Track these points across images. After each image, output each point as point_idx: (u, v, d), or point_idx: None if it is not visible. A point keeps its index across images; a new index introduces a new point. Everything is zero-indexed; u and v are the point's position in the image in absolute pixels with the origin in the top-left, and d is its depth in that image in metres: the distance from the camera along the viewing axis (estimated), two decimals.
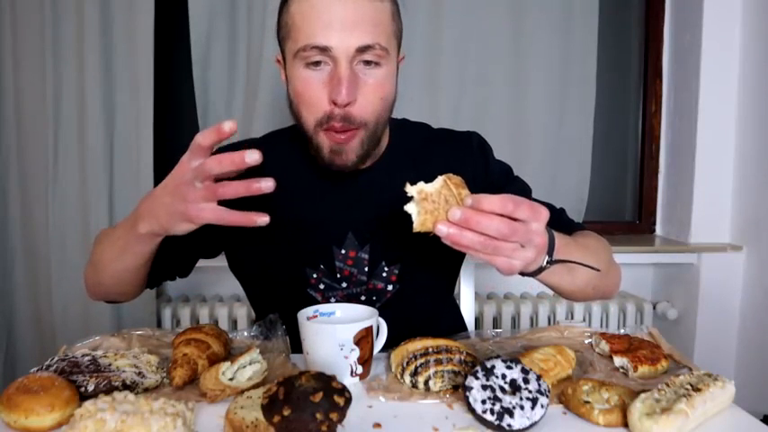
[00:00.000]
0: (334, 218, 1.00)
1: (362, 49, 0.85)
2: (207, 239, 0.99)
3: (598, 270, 0.84)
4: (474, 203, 0.67)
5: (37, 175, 1.90)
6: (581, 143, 2.12)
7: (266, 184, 0.71)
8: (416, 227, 0.70)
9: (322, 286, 1.01)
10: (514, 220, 0.68)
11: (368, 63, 0.87)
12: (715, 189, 2.02)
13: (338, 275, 1.00)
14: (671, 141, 2.17)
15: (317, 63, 0.86)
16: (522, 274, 0.79)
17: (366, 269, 1.00)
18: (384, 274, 1.01)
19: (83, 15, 1.83)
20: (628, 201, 2.32)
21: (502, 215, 0.67)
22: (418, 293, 1.04)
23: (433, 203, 0.70)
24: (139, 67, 1.86)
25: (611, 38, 2.20)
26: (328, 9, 0.84)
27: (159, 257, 0.93)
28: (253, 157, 0.69)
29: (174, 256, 1.00)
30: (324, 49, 0.84)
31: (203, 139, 0.71)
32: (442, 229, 0.68)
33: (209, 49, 1.96)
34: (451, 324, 1.15)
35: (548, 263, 0.77)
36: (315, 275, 1.00)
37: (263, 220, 0.73)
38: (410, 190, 0.71)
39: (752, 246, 1.97)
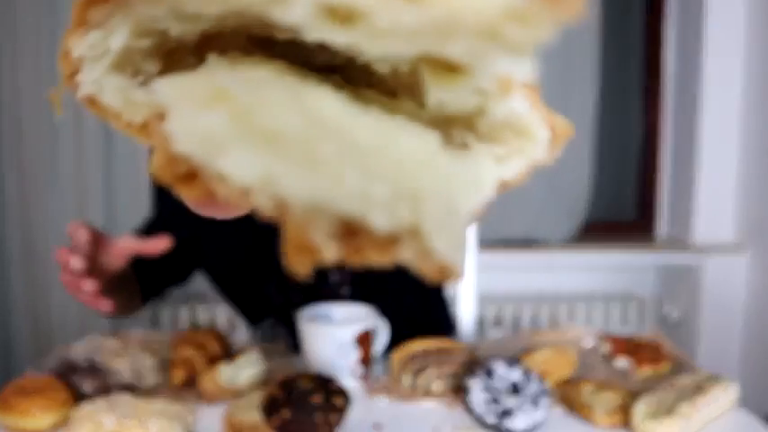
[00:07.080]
0: None
1: None
2: (187, 251, 1.01)
3: None
4: None
5: (36, 174, 1.90)
6: (581, 143, 2.11)
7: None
8: None
9: (307, 284, 1.01)
10: None
11: None
12: (718, 189, 2.01)
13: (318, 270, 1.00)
14: (672, 141, 2.16)
15: None
16: None
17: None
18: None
19: None
20: (629, 201, 2.31)
21: None
22: (401, 285, 1.03)
23: None
24: None
25: (612, 37, 2.19)
26: None
27: (153, 268, 0.93)
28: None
29: (166, 265, 1.00)
30: None
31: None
32: None
33: None
34: (441, 317, 1.15)
35: None
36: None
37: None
38: None
39: (756, 246, 1.96)
